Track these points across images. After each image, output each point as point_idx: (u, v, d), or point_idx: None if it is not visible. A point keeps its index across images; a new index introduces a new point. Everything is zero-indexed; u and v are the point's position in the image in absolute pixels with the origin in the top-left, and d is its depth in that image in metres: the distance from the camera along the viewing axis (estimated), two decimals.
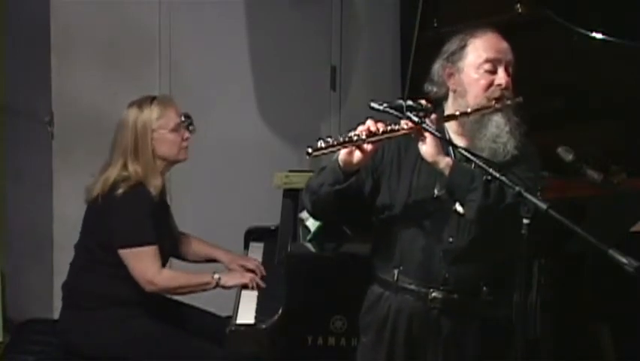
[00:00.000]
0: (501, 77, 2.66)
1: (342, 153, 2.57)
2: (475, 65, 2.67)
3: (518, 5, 3.45)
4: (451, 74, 2.70)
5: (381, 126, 2.54)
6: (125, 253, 3.32)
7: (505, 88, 2.66)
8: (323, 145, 2.51)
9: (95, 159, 3.62)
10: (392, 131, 2.54)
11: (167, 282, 3.36)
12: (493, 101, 2.64)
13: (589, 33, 3.43)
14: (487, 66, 2.66)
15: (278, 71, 4.87)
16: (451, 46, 2.72)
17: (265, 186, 4.28)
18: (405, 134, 2.56)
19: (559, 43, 3.46)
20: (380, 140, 2.54)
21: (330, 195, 2.63)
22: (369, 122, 2.55)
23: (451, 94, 2.72)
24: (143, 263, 3.31)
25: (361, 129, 2.54)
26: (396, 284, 2.70)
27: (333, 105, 4.97)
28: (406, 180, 2.68)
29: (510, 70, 2.69)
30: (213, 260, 3.70)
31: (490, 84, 2.66)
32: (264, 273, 3.50)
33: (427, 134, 2.55)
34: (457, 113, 2.62)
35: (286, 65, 4.87)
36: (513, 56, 2.70)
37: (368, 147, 2.54)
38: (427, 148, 2.56)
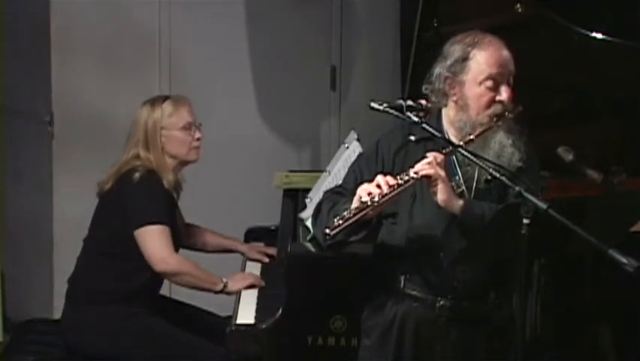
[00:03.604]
0: (503, 94, 2.62)
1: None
2: (477, 80, 2.62)
3: (518, 5, 3.45)
4: (452, 85, 2.66)
5: (392, 181, 2.52)
6: (140, 233, 3.32)
7: (507, 103, 2.63)
8: (340, 222, 2.51)
9: (95, 159, 3.64)
10: (404, 183, 2.51)
11: (179, 264, 3.35)
12: (495, 119, 2.61)
13: (589, 33, 3.43)
14: (490, 83, 2.62)
15: (278, 71, 4.87)
16: (452, 54, 2.66)
17: (265, 186, 4.28)
18: (415, 183, 2.54)
19: (559, 43, 3.46)
20: (392, 197, 2.52)
21: (346, 242, 2.62)
22: (380, 181, 2.52)
23: (451, 104, 2.68)
24: (158, 241, 3.32)
25: (374, 192, 2.50)
26: (403, 291, 2.69)
27: (333, 105, 4.97)
28: (410, 188, 2.61)
29: (511, 80, 2.65)
30: (228, 251, 3.75)
31: (493, 100, 2.62)
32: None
33: (438, 181, 2.52)
34: (462, 143, 2.56)
35: (286, 65, 4.87)
36: (514, 60, 2.68)
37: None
38: (439, 195, 2.53)
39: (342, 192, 2.73)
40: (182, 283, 3.46)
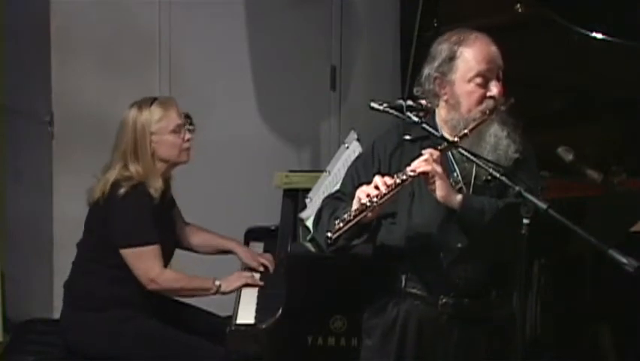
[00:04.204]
0: (494, 89, 2.62)
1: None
2: (466, 78, 2.62)
3: (518, 5, 3.45)
4: (442, 85, 2.65)
5: (389, 181, 2.51)
6: (127, 253, 3.32)
7: (498, 98, 2.62)
8: (341, 225, 2.51)
9: (95, 159, 3.62)
10: (402, 182, 2.51)
11: (169, 283, 3.36)
12: (488, 112, 2.60)
13: (589, 33, 3.43)
14: (479, 80, 2.61)
15: (278, 71, 4.87)
16: (440, 54, 2.65)
17: (265, 186, 4.28)
18: (413, 180, 2.53)
19: (559, 43, 3.46)
20: (391, 196, 2.51)
21: (348, 246, 2.61)
22: (378, 181, 2.52)
23: (443, 103, 2.67)
24: (146, 263, 3.32)
25: (372, 193, 2.50)
26: (405, 290, 2.68)
27: (333, 105, 4.97)
28: (408, 187, 2.61)
29: (501, 74, 2.65)
30: (226, 252, 3.71)
31: (483, 96, 2.62)
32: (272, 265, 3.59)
33: (436, 177, 2.52)
34: (457, 138, 2.56)
35: (286, 65, 4.87)
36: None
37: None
38: (438, 192, 2.53)
39: (341, 198, 2.74)
40: (174, 295, 3.49)
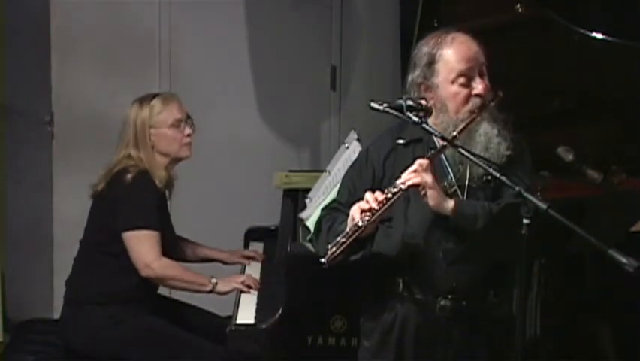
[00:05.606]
0: (478, 86, 2.61)
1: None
2: (449, 80, 2.61)
3: (518, 5, 3.45)
4: (427, 91, 2.65)
5: (380, 197, 2.51)
6: (128, 236, 3.32)
7: (485, 94, 2.62)
8: (334, 249, 2.51)
9: (95, 159, 3.63)
10: (393, 196, 2.51)
11: (164, 269, 3.35)
12: (476, 111, 2.59)
13: (589, 33, 3.43)
14: (462, 80, 2.60)
15: (278, 71, 4.88)
16: (421, 60, 2.65)
17: (265, 186, 4.28)
18: (404, 192, 2.53)
19: (559, 43, 3.46)
20: (383, 211, 2.52)
21: (347, 261, 2.61)
22: (369, 198, 2.52)
23: (431, 108, 2.67)
24: (144, 247, 3.32)
25: (364, 206, 2.50)
26: (402, 294, 2.68)
27: (333, 105, 4.97)
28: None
29: (484, 71, 2.64)
30: (210, 260, 3.74)
31: (469, 95, 2.61)
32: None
33: (427, 188, 2.52)
34: (445, 143, 2.54)
35: (286, 65, 4.88)
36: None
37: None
38: (430, 201, 2.53)
39: (339, 208, 2.74)
40: (169, 286, 3.49)
